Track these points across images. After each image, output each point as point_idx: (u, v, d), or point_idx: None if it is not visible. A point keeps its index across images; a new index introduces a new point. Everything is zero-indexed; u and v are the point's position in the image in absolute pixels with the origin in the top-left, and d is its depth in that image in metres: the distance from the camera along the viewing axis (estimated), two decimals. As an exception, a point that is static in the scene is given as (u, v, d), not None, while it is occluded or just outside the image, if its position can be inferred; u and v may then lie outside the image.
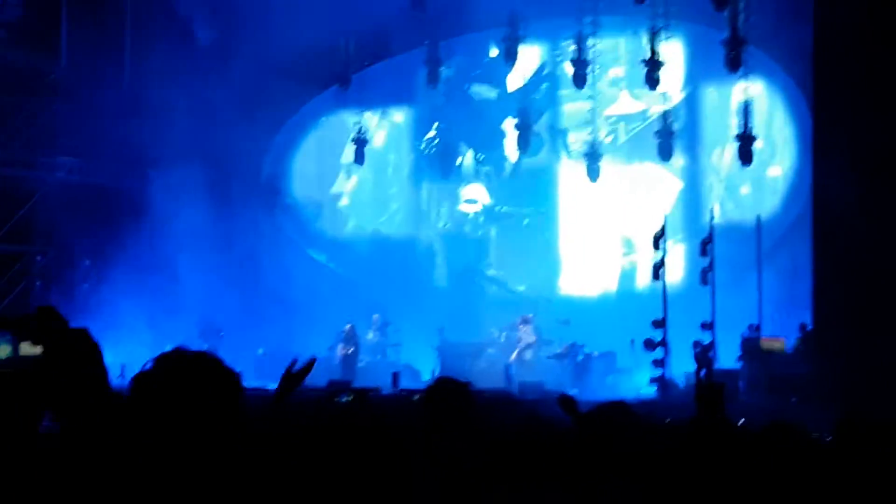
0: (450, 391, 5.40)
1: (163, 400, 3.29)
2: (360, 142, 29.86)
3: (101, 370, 4.05)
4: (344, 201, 31.85)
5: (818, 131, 19.94)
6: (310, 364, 5.45)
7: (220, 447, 3.23)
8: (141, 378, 3.35)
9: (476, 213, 31.01)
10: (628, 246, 29.31)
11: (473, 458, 4.53)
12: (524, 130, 29.35)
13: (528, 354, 26.30)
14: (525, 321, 26.54)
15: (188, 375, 3.33)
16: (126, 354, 22.14)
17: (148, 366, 3.37)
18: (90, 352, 3.81)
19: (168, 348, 3.51)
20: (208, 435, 3.25)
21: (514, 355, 26.23)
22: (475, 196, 31.06)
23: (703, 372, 22.33)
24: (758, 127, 26.29)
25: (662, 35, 26.61)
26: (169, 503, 3.17)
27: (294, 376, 5.36)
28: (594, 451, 3.79)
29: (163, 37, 27.20)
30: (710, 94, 28.81)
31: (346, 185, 31.78)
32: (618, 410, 3.86)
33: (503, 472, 4.45)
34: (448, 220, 31.33)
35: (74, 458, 3.42)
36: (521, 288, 30.14)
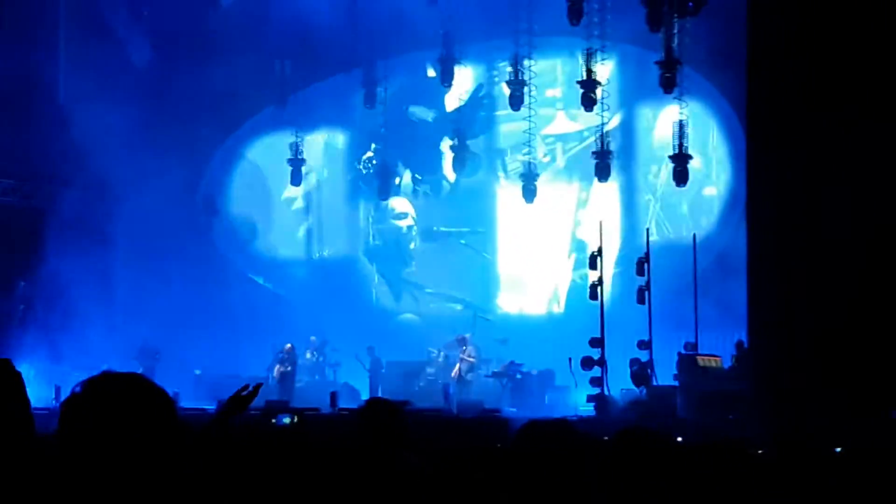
0: (381, 411, 5.42)
1: (92, 423, 3.25)
2: (297, 162, 29.85)
3: (23, 402, 4.02)
4: (280, 221, 31.74)
5: (752, 151, 20.12)
6: (256, 389, 5.48)
7: (154, 469, 3.21)
8: (70, 402, 3.31)
9: (409, 227, 31.04)
10: (566, 265, 29.45)
11: (411, 476, 4.55)
12: (461, 151, 29.49)
13: (469, 375, 26.29)
14: (462, 341, 26.51)
15: (117, 398, 3.29)
16: (61, 377, 22.10)
17: (77, 389, 3.33)
18: (11, 384, 3.77)
19: (102, 370, 3.47)
20: (141, 456, 3.22)
21: (454, 373, 26.21)
22: (403, 210, 31.10)
23: (641, 390, 22.49)
24: (693, 147, 26.56)
25: (598, 56, 26.83)
26: None
27: (241, 399, 5.39)
28: (531, 467, 3.83)
29: (98, 57, 26.99)
30: (646, 115, 29.06)
31: (283, 206, 31.69)
32: (555, 427, 3.90)
33: (442, 488, 4.47)
34: (385, 239, 31.33)
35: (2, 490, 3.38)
36: (459, 307, 30.20)
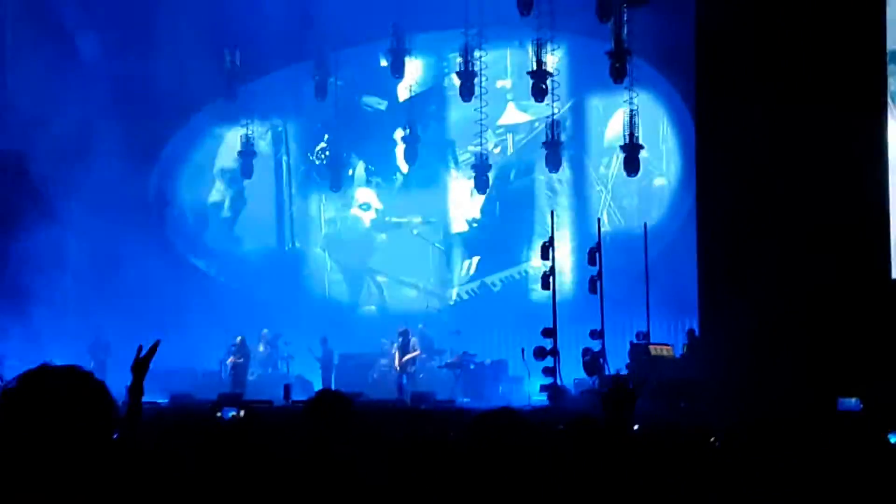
0: (330, 403, 5.43)
1: (26, 416, 3.23)
2: (247, 154, 29.75)
3: None
4: (231, 214, 31.63)
5: (701, 140, 20.24)
6: (154, 346, 5.53)
7: (92, 462, 3.19)
8: (4, 395, 3.29)
9: (369, 219, 31.03)
10: (517, 256, 29.51)
11: (363, 467, 4.55)
12: (412, 142, 29.50)
13: (411, 368, 26.24)
14: (404, 334, 26.43)
15: (52, 391, 3.27)
16: (11, 372, 21.94)
17: (12, 383, 3.31)
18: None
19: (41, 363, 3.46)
20: (78, 450, 3.20)
21: (396, 363, 26.18)
22: (368, 201, 31.09)
23: (593, 379, 22.58)
24: (643, 137, 26.67)
25: (548, 47, 26.89)
26: None
27: (141, 362, 5.45)
28: (482, 456, 3.84)
29: (46, 50, 26.78)
30: (596, 105, 29.16)
31: (235, 198, 31.57)
32: (504, 416, 3.91)
33: (395, 479, 4.48)
34: (339, 230, 31.30)
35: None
36: (413, 294, 30.22)
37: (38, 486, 3.13)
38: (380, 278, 30.94)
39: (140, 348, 5.54)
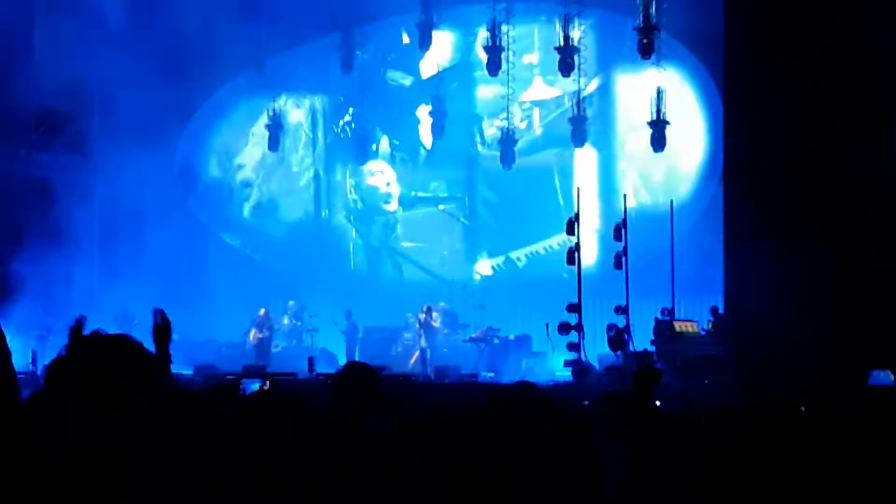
0: (357, 375, 5.43)
1: (81, 383, 3.24)
2: (275, 127, 29.74)
3: (4, 354, 4.00)
4: (258, 186, 31.64)
5: (729, 116, 20.17)
6: (156, 312, 5.50)
7: (140, 429, 3.21)
8: (58, 363, 3.30)
9: (388, 193, 30.99)
10: (544, 231, 29.45)
11: (387, 440, 4.56)
12: (438, 117, 29.43)
13: (432, 342, 26.29)
14: (427, 311, 26.47)
15: (107, 358, 3.29)
16: (37, 342, 22.05)
17: (63, 351, 3.33)
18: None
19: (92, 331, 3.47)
20: (128, 417, 3.22)
21: (422, 341, 26.25)
22: (392, 174, 31.06)
23: (618, 355, 22.56)
24: (670, 113, 26.57)
25: (575, 22, 26.79)
26: (86, 484, 3.15)
27: (161, 329, 5.43)
28: (502, 432, 3.84)
29: (73, 18, 26.75)
30: (623, 81, 29.02)
31: (261, 171, 31.58)
32: (524, 391, 3.90)
33: (418, 454, 4.48)
34: (365, 203, 31.29)
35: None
36: (437, 268, 30.24)
37: (90, 451, 3.15)
38: (405, 249, 30.93)
39: (156, 313, 5.50)
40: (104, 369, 3.26)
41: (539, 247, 29.60)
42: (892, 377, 15.55)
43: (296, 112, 31.29)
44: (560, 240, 27.26)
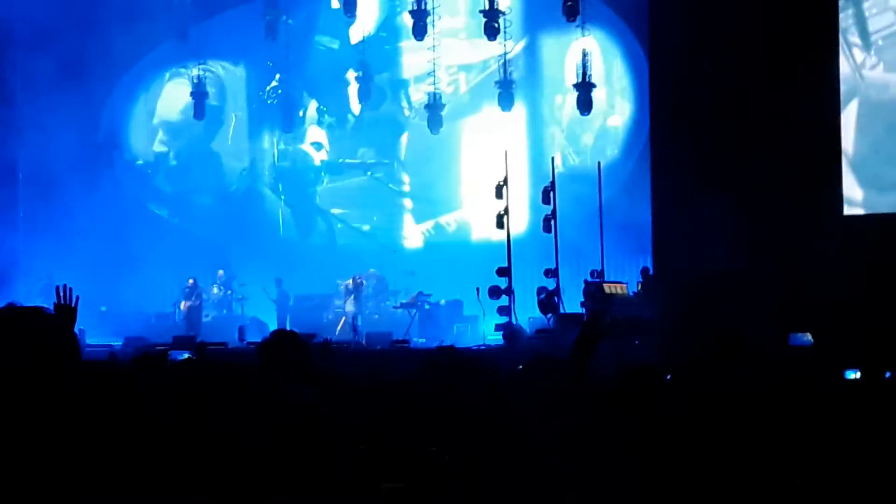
0: (283, 343, 5.41)
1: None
2: (199, 95, 29.43)
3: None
4: (184, 155, 31.29)
5: (654, 79, 20.25)
6: (58, 288, 5.38)
7: (55, 398, 3.20)
8: None
9: (321, 160, 30.84)
10: (473, 195, 29.44)
11: (319, 406, 4.54)
12: (365, 82, 29.30)
13: (361, 309, 26.39)
14: (355, 281, 26.55)
15: (18, 329, 3.28)
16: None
17: None
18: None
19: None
20: (41, 386, 3.20)
21: (346, 305, 26.34)
22: (320, 140, 30.88)
23: (548, 317, 22.67)
24: (597, 76, 26.65)
25: (501, -16, 26.74)
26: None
27: (62, 309, 5.30)
28: (437, 393, 3.84)
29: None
30: (549, 44, 29.03)
31: (187, 139, 31.25)
32: (444, 355, 3.90)
33: (351, 418, 4.47)
34: (291, 169, 31.08)
35: None
36: (366, 232, 30.21)
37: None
38: (333, 217, 30.80)
39: (58, 289, 5.36)
40: (15, 337, 3.26)
41: (471, 211, 29.54)
42: (811, 338, 15.75)
43: (221, 79, 30.96)
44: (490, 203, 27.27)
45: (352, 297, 26.36)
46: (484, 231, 27.73)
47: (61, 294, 5.29)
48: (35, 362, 3.24)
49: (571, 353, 5.77)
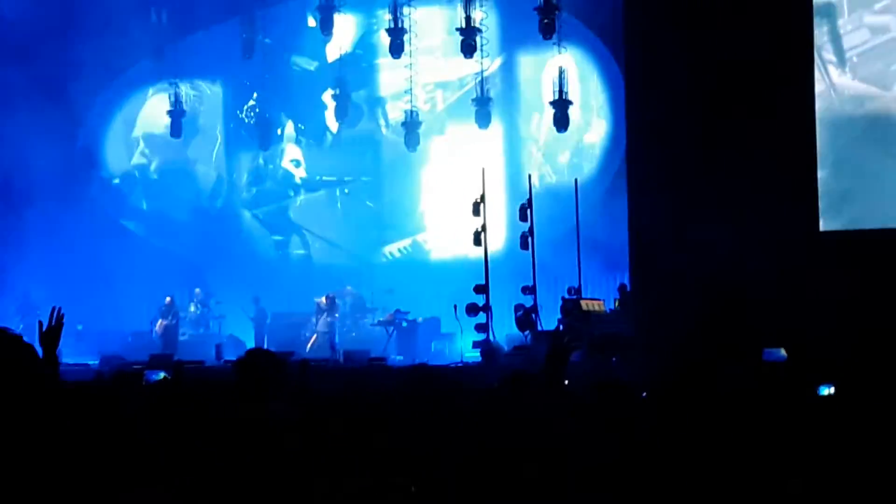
0: (259, 362, 5.41)
1: None
2: (176, 113, 29.41)
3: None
4: (161, 173, 31.24)
5: (630, 96, 20.33)
6: (53, 311, 5.44)
7: (18, 417, 3.19)
8: None
9: (299, 178, 30.84)
10: (450, 213, 29.43)
11: (297, 423, 4.55)
12: (342, 101, 29.34)
13: (339, 327, 26.36)
14: (329, 298, 26.56)
15: None
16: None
17: None
18: None
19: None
20: (16, 411, 3.19)
21: (319, 324, 26.28)
22: (297, 157, 30.90)
23: (526, 335, 22.69)
24: (573, 94, 26.74)
25: (476, 3, 26.82)
26: None
27: (50, 333, 5.36)
28: (413, 409, 3.85)
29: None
30: (526, 62, 29.11)
31: (163, 157, 31.19)
32: (420, 372, 3.91)
33: (329, 433, 4.48)
34: (269, 187, 31.07)
35: None
36: (343, 252, 30.19)
37: None
38: (311, 234, 30.78)
39: (41, 323, 5.43)
40: None
41: (448, 228, 29.52)
42: (785, 353, 15.80)
43: (199, 97, 30.93)
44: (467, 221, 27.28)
45: (324, 314, 26.35)
46: (461, 248, 27.69)
47: (53, 317, 5.32)
48: (9, 392, 3.22)
49: (543, 370, 5.80)
